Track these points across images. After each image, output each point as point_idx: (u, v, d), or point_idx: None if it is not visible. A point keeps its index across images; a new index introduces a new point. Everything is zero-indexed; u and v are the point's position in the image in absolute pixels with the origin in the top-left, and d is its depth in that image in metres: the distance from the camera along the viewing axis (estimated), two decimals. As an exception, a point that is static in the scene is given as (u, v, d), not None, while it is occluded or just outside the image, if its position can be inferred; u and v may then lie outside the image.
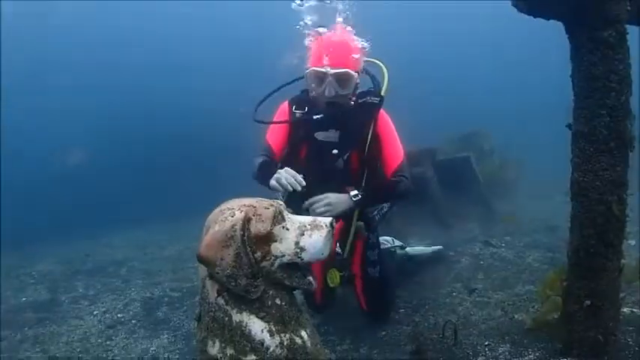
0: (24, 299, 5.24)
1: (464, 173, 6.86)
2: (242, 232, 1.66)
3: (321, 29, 3.29)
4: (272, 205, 1.75)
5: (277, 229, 1.72)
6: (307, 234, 1.74)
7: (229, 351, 1.71)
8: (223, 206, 1.79)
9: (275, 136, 3.28)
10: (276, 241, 1.71)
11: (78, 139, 15.29)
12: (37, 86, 17.34)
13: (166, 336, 3.95)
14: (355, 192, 3.03)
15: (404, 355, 3.15)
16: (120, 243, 8.10)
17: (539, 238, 5.74)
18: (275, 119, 3.33)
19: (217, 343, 1.73)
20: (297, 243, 1.72)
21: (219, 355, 1.73)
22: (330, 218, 1.80)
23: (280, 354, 1.72)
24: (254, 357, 1.69)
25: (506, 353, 2.96)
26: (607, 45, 2.25)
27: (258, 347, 1.69)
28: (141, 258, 6.79)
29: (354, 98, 3.21)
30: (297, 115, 3.22)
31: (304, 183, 2.65)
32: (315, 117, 3.07)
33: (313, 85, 3.09)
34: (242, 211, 1.71)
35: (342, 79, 3.01)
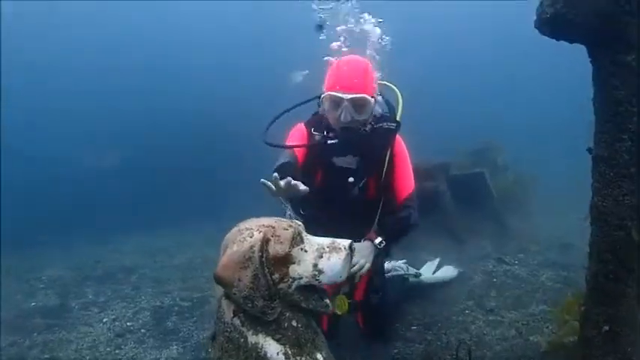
0: (33, 304, 5.23)
1: (478, 189, 6.80)
2: (260, 254, 1.65)
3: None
4: (291, 226, 1.74)
5: (296, 251, 1.71)
6: (325, 256, 1.72)
7: (244, 372, 1.70)
8: (242, 226, 1.78)
9: (296, 151, 3.15)
10: (294, 262, 1.70)
11: (86, 141, 15.36)
12: (40, 87, 17.46)
13: (175, 347, 3.93)
14: (379, 239, 2.95)
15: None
16: (128, 249, 8.08)
17: (553, 257, 5.67)
18: (290, 140, 3.21)
19: (232, 364, 1.72)
20: (315, 265, 1.71)
21: (233, 377, 1.71)
22: (350, 240, 1.78)
23: (295, 377, 1.70)
24: (269, 380, 1.68)
25: (521, 377, 2.93)
26: (629, 69, 2.23)
27: (274, 370, 1.68)
28: (151, 265, 6.77)
29: (371, 122, 3.12)
30: (317, 138, 3.11)
31: (305, 187, 2.40)
32: (329, 142, 2.99)
33: (329, 109, 3.01)
34: (261, 231, 1.69)
35: (358, 105, 2.93)
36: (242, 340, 1.70)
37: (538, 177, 8.21)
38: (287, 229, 1.72)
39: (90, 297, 5.35)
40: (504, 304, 4.29)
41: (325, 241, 1.78)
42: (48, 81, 17.72)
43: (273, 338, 1.70)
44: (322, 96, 3.02)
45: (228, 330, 1.73)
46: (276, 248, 1.67)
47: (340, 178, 3.15)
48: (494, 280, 4.97)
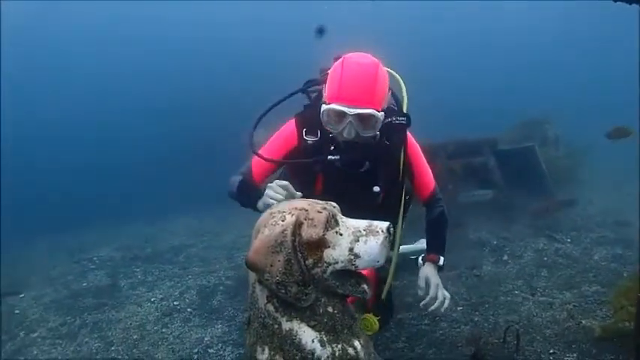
0: (84, 284, 5.40)
1: (528, 163, 6.59)
2: (293, 238, 1.57)
3: None
4: (325, 209, 1.65)
5: (330, 235, 1.62)
6: (362, 240, 1.63)
7: (279, 359, 1.65)
8: (274, 209, 1.72)
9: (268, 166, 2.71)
10: (328, 247, 1.61)
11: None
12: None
13: (220, 326, 3.97)
14: (442, 259, 2.71)
15: (461, 357, 3.03)
16: (176, 229, 8.22)
17: (607, 234, 5.43)
18: (278, 140, 2.76)
19: (267, 351, 1.68)
20: (351, 249, 1.62)
21: (268, 363, 1.67)
22: (388, 223, 1.68)
23: (332, 365, 1.64)
24: (304, 367, 1.63)
25: (573, 364, 2.80)
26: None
27: (309, 357, 1.62)
28: (197, 245, 6.87)
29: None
30: (309, 142, 2.65)
31: (299, 194, 2.10)
32: (330, 157, 2.53)
33: (330, 122, 2.51)
34: (293, 214, 1.62)
35: (365, 120, 2.45)
36: (276, 326, 1.65)
37: (590, 150, 7.85)
38: (321, 212, 1.63)
39: (139, 277, 5.48)
40: (555, 284, 4.13)
41: (362, 223, 1.68)
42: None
43: (308, 325, 1.64)
44: (322, 109, 2.48)
45: (262, 316, 1.68)
46: (309, 232, 1.59)
47: (353, 184, 2.69)
48: (545, 258, 4.79)
